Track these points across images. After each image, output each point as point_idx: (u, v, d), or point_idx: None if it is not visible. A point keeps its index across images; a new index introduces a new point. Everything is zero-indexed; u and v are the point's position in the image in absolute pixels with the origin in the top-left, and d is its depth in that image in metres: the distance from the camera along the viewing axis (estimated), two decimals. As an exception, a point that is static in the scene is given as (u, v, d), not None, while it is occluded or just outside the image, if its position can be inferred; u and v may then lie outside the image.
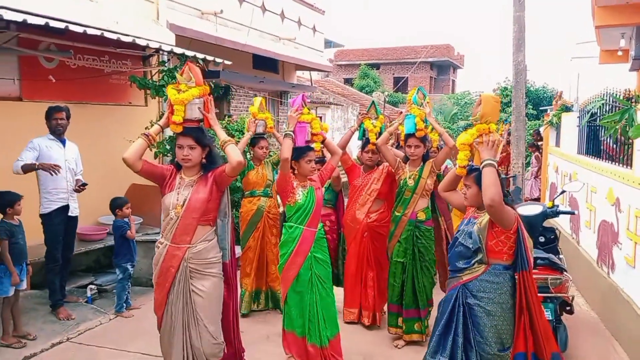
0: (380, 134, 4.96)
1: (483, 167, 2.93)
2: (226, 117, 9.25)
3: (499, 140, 3.05)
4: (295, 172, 4.03)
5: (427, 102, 4.63)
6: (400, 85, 30.83)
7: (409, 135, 4.62)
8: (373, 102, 5.44)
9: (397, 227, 4.69)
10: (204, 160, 3.32)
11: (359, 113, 5.14)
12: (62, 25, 4.96)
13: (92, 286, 5.67)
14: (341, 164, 5.05)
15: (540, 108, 19.67)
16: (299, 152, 3.96)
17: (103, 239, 6.36)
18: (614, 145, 5.84)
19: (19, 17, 4.54)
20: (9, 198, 4.51)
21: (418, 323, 4.68)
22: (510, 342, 2.97)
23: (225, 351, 3.47)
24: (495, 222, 2.94)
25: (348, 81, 32.85)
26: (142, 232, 6.59)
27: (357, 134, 5.26)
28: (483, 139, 3.03)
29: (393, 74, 36.24)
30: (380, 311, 5.15)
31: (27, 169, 4.83)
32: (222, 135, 3.33)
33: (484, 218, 3.00)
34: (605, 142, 6.31)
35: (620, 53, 12.41)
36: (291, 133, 3.93)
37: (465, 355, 2.99)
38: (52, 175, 4.81)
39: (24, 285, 4.58)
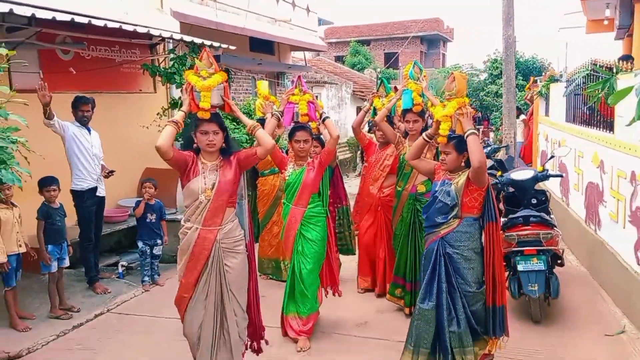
0: (391, 111, 5.12)
1: (468, 136, 3.42)
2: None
3: (472, 112, 3.58)
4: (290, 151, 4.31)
5: (424, 76, 4.72)
6: (392, 61, 31.04)
7: (406, 111, 4.70)
8: (382, 79, 5.54)
9: (399, 202, 4.84)
10: (223, 145, 3.40)
11: (371, 93, 5.18)
12: (85, 20, 5.30)
13: (123, 263, 6.12)
14: (359, 142, 5.50)
15: (535, 77, 20.06)
16: (288, 133, 4.27)
17: (125, 220, 6.78)
18: (588, 112, 6.27)
19: (48, 15, 4.89)
20: (40, 183, 4.89)
21: (400, 289, 4.88)
22: (483, 279, 3.54)
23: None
24: (475, 181, 3.46)
25: (339, 59, 33.00)
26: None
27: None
28: (463, 111, 3.48)
29: (384, 50, 36.39)
30: (390, 282, 5.26)
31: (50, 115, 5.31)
32: (247, 120, 3.51)
33: (461, 178, 3.52)
34: (582, 110, 6.77)
35: (606, 22, 12.75)
36: (277, 113, 4.15)
37: (450, 297, 3.50)
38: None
39: (66, 262, 5.02)
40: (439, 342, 3.51)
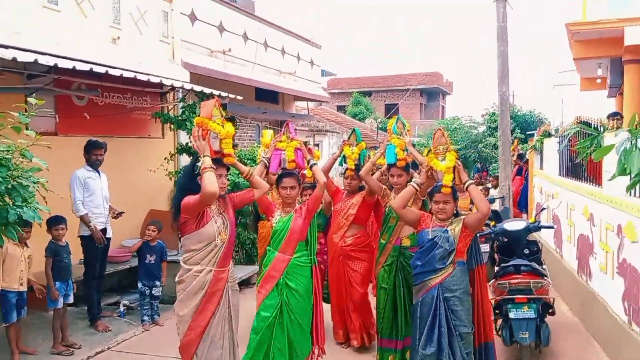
0: (359, 159, 5.16)
1: (468, 186, 3.82)
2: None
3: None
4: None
5: (407, 131, 4.76)
6: (393, 112, 31.77)
7: (390, 165, 4.70)
8: (354, 130, 5.45)
9: (381, 254, 4.74)
10: None
11: (343, 141, 5.32)
12: (102, 70, 5.65)
13: (125, 302, 6.24)
14: (326, 190, 5.13)
15: (527, 132, 20.53)
16: (276, 180, 4.24)
17: (128, 260, 6.93)
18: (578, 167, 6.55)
19: (69, 65, 5.23)
20: (49, 222, 5.09)
21: (392, 355, 4.65)
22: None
23: None
24: (473, 228, 3.81)
25: (341, 108, 33.79)
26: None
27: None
28: (459, 163, 3.84)
29: (384, 101, 37.28)
30: (368, 333, 5.23)
31: (85, 220, 5.56)
32: (243, 167, 3.83)
33: (456, 226, 3.80)
34: (572, 164, 7.07)
35: (599, 81, 13.27)
36: (264, 159, 4.32)
37: (449, 341, 3.69)
38: (97, 245, 5.61)
39: (71, 299, 5.18)
40: None
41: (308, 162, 4.37)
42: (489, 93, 72.11)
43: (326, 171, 5.00)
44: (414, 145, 4.75)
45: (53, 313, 5.03)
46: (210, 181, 3.25)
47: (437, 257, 3.76)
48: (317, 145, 17.55)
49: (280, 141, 4.38)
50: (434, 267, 3.77)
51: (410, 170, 5.24)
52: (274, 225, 4.10)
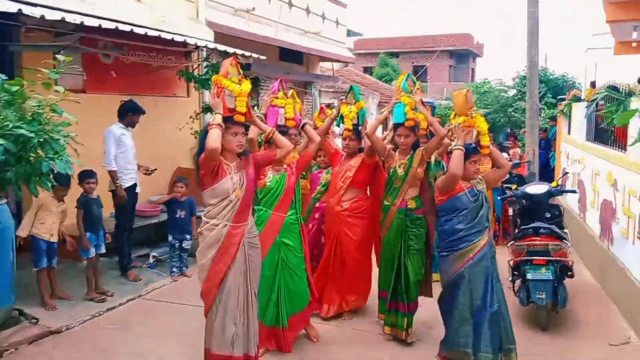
0: (358, 119, 4.84)
1: (489, 147, 4.00)
2: (254, 107, 9.99)
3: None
4: None
5: (417, 89, 4.44)
6: (420, 73, 31.23)
7: (398, 125, 4.45)
8: (352, 87, 5.01)
9: (386, 217, 4.54)
10: None
11: (340, 99, 5.11)
12: (127, 28, 5.72)
13: (155, 254, 6.51)
14: (325, 151, 5.14)
15: (559, 97, 20.05)
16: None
17: (157, 215, 7.15)
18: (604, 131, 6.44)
19: (94, 23, 5.31)
20: (80, 175, 5.26)
21: (403, 318, 4.47)
22: None
23: None
24: (495, 184, 4.53)
25: (367, 70, 33.30)
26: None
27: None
28: None
29: (412, 62, 36.56)
30: (347, 301, 4.97)
31: (112, 176, 5.76)
32: (265, 127, 3.79)
33: (482, 185, 3.95)
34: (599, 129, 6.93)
35: (634, 44, 12.79)
36: (260, 115, 4.07)
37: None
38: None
39: (103, 249, 5.42)
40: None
41: (303, 124, 4.23)
42: (520, 56, 70.10)
43: (323, 132, 4.70)
44: (425, 105, 4.45)
45: (86, 262, 5.28)
46: (212, 137, 3.26)
47: (485, 215, 3.82)
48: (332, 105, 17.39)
49: (277, 97, 4.20)
50: (483, 226, 3.83)
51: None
52: (267, 183, 4.04)
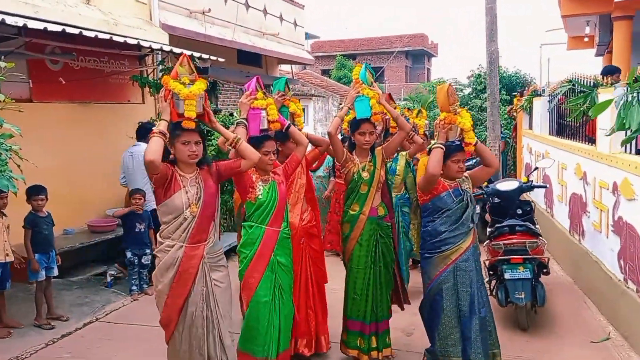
0: (283, 114, 4.02)
1: (477, 143, 3.72)
2: (216, 112, 9.66)
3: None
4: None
5: (375, 82, 4.10)
6: (378, 75, 31.36)
7: (361, 121, 3.94)
8: (286, 80, 4.30)
9: (353, 228, 4.00)
10: None
11: (279, 95, 4.08)
12: (76, 31, 5.33)
13: (111, 272, 6.09)
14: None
15: (513, 93, 20.45)
16: (254, 143, 3.50)
17: (113, 230, 6.74)
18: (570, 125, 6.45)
19: (39, 26, 4.91)
20: (28, 191, 4.84)
21: (360, 338, 4.04)
22: None
23: None
24: (482, 182, 4.16)
25: (325, 72, 33.26)
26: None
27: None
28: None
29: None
30: (327, 334, 4.27)
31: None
32: (227, 133, 3.34)
33: (468, 183, 3.76)
34: (564, 123, 6.96)
35: (586, 39, 13.12)
36: (243, 121, 3.55)
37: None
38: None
39: (55, 271, 4.99)
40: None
41: (287, 126, 3.83)
42: (473, 54, 71.75)
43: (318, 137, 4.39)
44: (393, 99, 4.27)
45: (35, 285, 4.85)
46: (149, 148, 2.94)
47: (469, 217, 3.63)
48: (303, 109, 17.22)
49: (256, 98, 3.65)
50: (468, 227, 3.63)
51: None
52: (258, 197, 3.56)
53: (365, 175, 4.00)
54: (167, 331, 3.22)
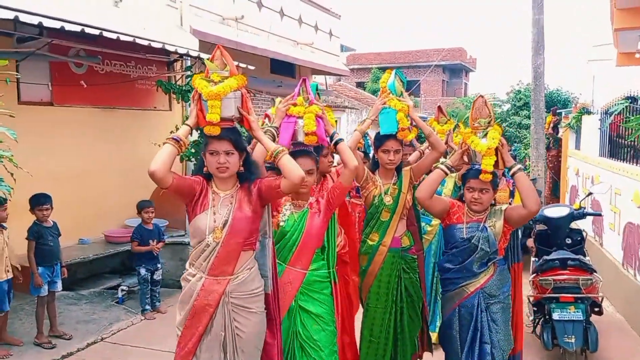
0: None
1: (516, 172, 3.04)
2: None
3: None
4: None
5: (407, 92, 3.58)
6: (414, 88, 30.84)
7: (387, 137, 3.43)
8: (314, 85, 3.47)
9: (372, 261, 3.49)
10: (241, 169, 2.69)
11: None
12: (96, 32, 5.10)
13: (124, 287, 5.79)
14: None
15: (556, 111, 19.69)
16: None
17: (129, 241, 6.45)
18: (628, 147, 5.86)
19: (56, 25, 4.68)
20: (32, 200, 4.56)
21: None
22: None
23: None
24: (519, 225, 3.19)
25: (360, 85, 32.91)
26: (167, 234, 6.71)
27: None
28: (503, 141, 3.05)
29: (406, 77, 36.24)
30: None
31: None
32: (269, 144, 2.72)
33: (497, 221, 3.11)
34: (620, 144, 6.35)
35: (637, 55, 12.38)
36: (271, 129, 2.96)
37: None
38: None
39: (59, 286, 4.69)
40: None
41: (332, 137, 3.04)
42: (513, 70, 70.32)
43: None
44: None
45: (37, 300, 4.55)
46: (156, 157, 2.50)
47: (476, 261, 3.09)
48: (335, 121, 16.86)
49: (295, 104, 3.03)
50: (473, 272, 3.12)
51: (415, 143, 4.52)
52: (280, 225, 2.98)
53: (387, 200, 3.46)
54: None
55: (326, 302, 3.02)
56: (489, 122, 3.09)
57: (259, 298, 2.70)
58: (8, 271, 4.33)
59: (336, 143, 2.99)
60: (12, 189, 3.16)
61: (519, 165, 3.08)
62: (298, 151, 2.99)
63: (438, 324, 4.28)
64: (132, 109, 7.33)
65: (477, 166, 3.09)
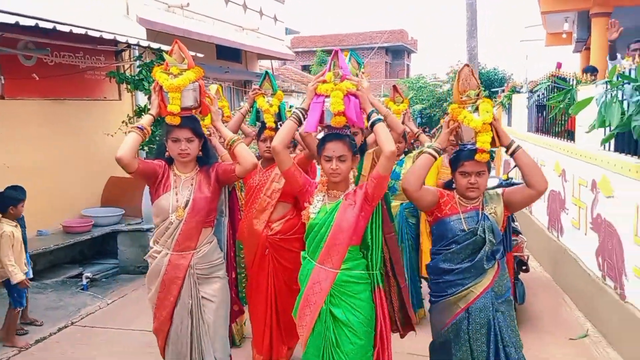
0: (279, 115, 3.71)
1: (516, 150, 2.62)
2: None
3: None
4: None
5: (363, 73, 3.26)
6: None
7: (326, 139, 2.91)
8: (266, 72, 3.89)
9: None
10: (199, 153, 2.94)
11: (252, 90, 3.90)
12: (49, 25, 5.17)
13: (87, 275, 5.97)
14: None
15: (492, 90, 20.64)
16: (317, 145, 2.81)
17: (89, 230, 6.59)
18: (549, 122, 6.47)
19: (10, 20, 4.74)
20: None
21: None
22: None
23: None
24: (516, 207, 2.76)
25: (306, 68, 33.13)
26: (125, 222, 6.89)
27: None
28: (496, 115, 2.62)
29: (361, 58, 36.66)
30: (285, 356, 3.78)
31: None
32: (227, 133, 2.97)
33: (497, 207, 2.68)
34: (543, 120, 6.98)
35: (564, 36, 13.26)
36: (297, 111, 2.77)
37: None
38: None
39: (30, 274, 4.82)
40: None
41: (369, 117, 2.70)
42: (452, 50, 72.17)
43: (233, 131, 3.47)
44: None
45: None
46: (122, 144, 2.74)
47: (485, 255, 2.63)
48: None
49: (324, 81, 2.70)
50: (482, 270, 2.65)
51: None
52: (310, 217, 2.74)
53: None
54: (159, 341, 3.05)
55: (361, 308, 2.69)
56: (478, 94, 2.67)
57: (220, 267, 3.04)
58: (26, 264, 4.48)
59: (373, 124, 2.67)
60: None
61: (516, 143, 2.66)
62: (331, 135, 2.72)
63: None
64: (82, 99, 7.36)
65: (469, 146, 2.64)
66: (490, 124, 2.56)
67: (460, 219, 2.67)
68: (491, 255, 2.66)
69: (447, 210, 2.71)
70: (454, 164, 2.71)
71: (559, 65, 6.87)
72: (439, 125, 3.61)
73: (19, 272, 4.28)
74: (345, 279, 2.69)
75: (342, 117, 2.66)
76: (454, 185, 2.80)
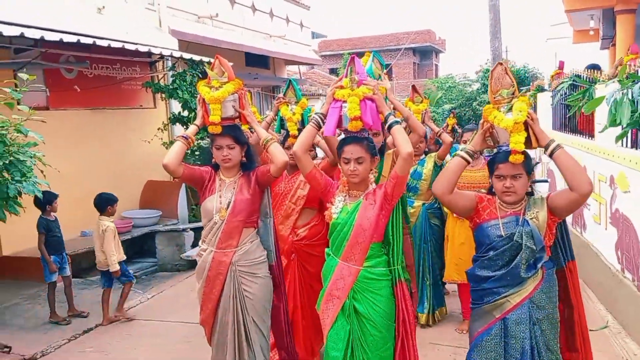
0: (303, 122, 3.82)
1: (555, 150, 2.46)
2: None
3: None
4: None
5: (385, 75, 3.50)
6: (385, 72, 31.38)
7: (345, 141, 3.01)
8: (290, 81, 4.03)
9: None
10: (243, 159, 3.16)
11: (276, 99, 4.05)
12: (90, 41, 5.58)
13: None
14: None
15: (521, 88, 20.45)
16: (337, 147, 2.92)
17: (129, 231, 6.99)
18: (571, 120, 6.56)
19: (56, 37, 5.16)
20: (48, 197, 5.08)
21: None
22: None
23: (278, 357, 3.42)
24: (567, 213, 2.63)
25: (333, 71, 33.37)
26: (162, 223, 7.28)
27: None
28: (533, 114, 2.48)
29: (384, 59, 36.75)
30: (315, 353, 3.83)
31: None
32: (262, 133, 3.14)
33: (539, 212, 2.54)
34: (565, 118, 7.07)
35: (591, 33, 13.18)
36: (318, 116, 2.90)
37: None
38: None
39: (68, 271, 5.25)
40: None
41: (385, 120, 2.80)
42: (482, 50, 71.41)
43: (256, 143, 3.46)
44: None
45: (48, 286, 5.08)
46: (168, 152, 3.01)
47: (523, 263, 2.49)
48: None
49: (342, 87, 2.81)
50: (520, 278, 2.51)
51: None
52: (333, 217, 2.86)
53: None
54: (206, 333, 3.26)
55: (381, 303, 2.80)
56: (512, 93, 2.54)
57: (262, 265, 3.18)
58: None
59: (390, 126, 2.78)
60: (49, 184, 3.71)
61: (556, 142, 2.49)
62: (349, 138, 2.84)
63: (426, 305, 4.66)
64: (120, 108, 7.82)
65: (504, 148, 2.55)
66: (525, 123, 2.43)
67: (499, 224, 2.57)
68: (533, 263, 2.50)
69: (485, 215, 2.62)
70: (490, 167, 2.62)
71: (561, 64, 6.95)
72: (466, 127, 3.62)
73: (116, 262, 5.00)
74: (368, 276, 2.80)
75: (359, 121, 2.75)
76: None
